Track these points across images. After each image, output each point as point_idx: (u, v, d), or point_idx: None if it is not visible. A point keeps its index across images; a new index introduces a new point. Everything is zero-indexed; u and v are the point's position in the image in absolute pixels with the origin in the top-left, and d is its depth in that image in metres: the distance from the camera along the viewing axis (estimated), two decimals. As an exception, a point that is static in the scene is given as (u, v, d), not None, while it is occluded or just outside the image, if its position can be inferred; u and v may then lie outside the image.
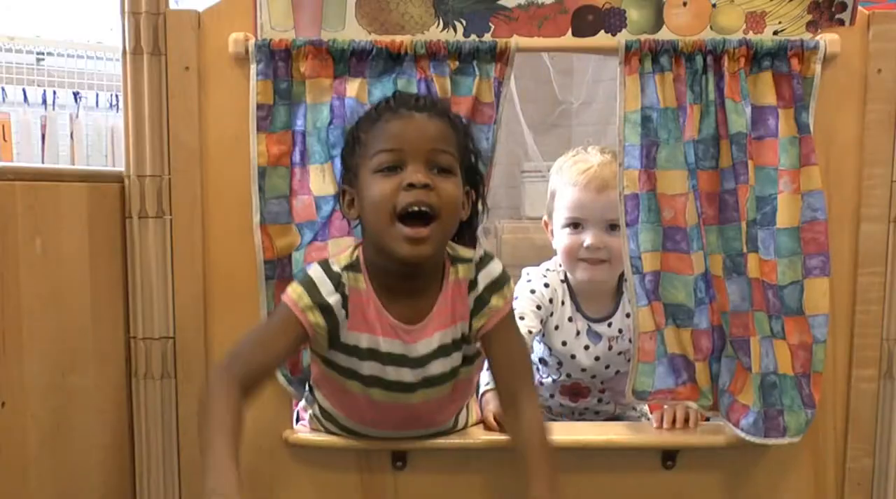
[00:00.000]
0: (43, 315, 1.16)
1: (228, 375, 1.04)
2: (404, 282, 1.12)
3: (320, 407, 1.26)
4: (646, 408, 1.53)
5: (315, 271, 1.12)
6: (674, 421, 1.31)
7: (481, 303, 1.15)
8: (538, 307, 1.46)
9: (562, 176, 1.47)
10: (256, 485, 1.31)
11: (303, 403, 1.33)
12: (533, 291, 1.47)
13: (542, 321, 1.46)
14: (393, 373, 1.15)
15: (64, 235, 1.19)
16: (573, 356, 1.50)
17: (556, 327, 1.49)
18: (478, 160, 1.17)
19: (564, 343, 1.50)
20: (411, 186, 1.04)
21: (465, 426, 1.30)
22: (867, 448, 1.31)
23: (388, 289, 1.13)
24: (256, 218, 1.23)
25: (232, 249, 1.26)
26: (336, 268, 1.12)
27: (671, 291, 1.26)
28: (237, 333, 1.26)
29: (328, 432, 1.27)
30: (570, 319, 1.49)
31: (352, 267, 1.13)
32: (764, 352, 1.24)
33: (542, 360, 1.55)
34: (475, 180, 1.16)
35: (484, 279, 1.15)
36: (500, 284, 1.16)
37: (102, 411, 1.26)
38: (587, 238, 1.42)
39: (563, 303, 1.49)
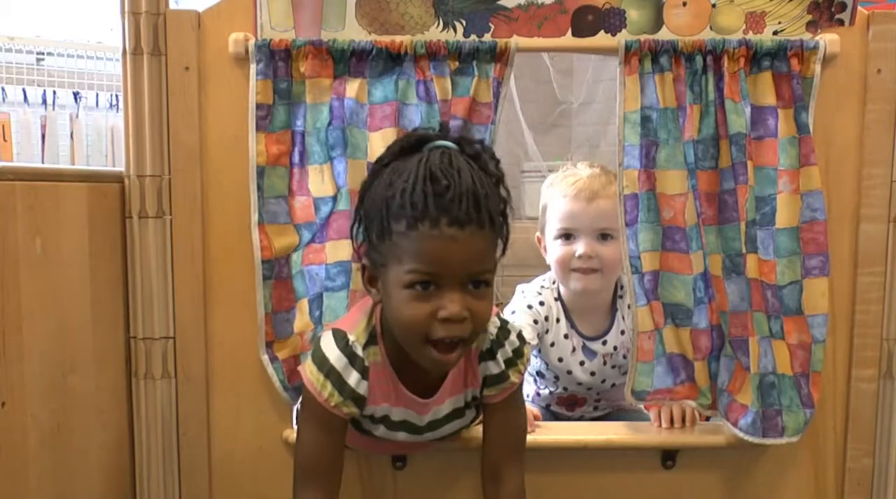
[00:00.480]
0: (43, 315, 1.16)
1: (311, 494, 1.10)
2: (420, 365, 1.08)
3: None
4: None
5: (336, 358, 1.07)
6: (672, 419, 1.31)
7: (498, 379, 1.13)
8: (535, 321, 1.48)
9: (552, 190, 1.49)
10: (257, 485, 1.31)
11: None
12: (530, 307, 1.49)
13: (538, 336, 1.48)
14: (402, 436, 1.16)
15: (64, 235, 1.19)
16: (569, 372, 1.51)
17: (552, 344, 1.50)
18: (506, 206, 1.08)
19: (561, 359, 1.51)
20: (447, 320, 0.98)
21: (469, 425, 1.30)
22: (867, 448, 1.31)
23: (403, 361, 1.09)
24: (255, 217, 1.23)
25: (232, 248, 1.26)
26: (358, 351, 1.07)
27: (670, 290, 1.25)
28: (237, 333, 1.27)
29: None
30: (565, 336, 1.51)
31: (370, 341, 1.09)
32: (763, 352, 1.24)
33: (539, 373, 1.56)
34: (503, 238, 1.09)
35: (503, 356, 1.12)
36: (518, 356, 1.13)
37: (102, 411, 1.26)
38: (579, 247, 1.43)
39: (557, 320, 1.51)
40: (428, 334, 1.00)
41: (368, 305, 1.12)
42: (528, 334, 1.41)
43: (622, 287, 1.52)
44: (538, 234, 1.55)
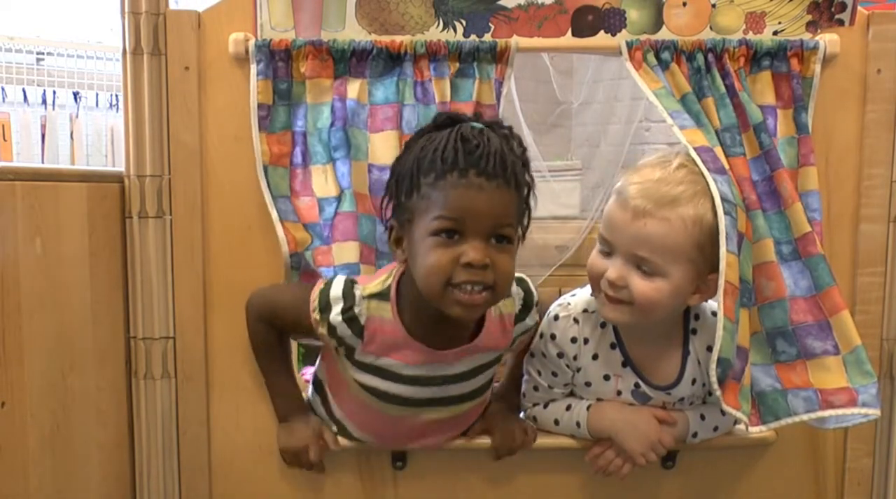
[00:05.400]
0: (43, 315, 1.16)
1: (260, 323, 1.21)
2: (441, 323, 1.10)
3: (330, 415, 1.26)
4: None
5: (335, 290, 1.13)
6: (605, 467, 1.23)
7: (526, 328, 1.20)
8: (554, 374, 1.24)
9: (622, 177, 1.16)
10: (257, 485, 1.31)
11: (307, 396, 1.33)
12: (544, 355, 1.23)
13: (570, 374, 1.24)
14: (411, 391, 1.16)
15: (64, 235, 1.19)
16: None
17: (588, 384, 1.23)
18: (530, 191, 1.11)
19: (599, 400, 1.24)
20: (469, 265, 1.01)
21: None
22: (867, 448, 1.31)
23: (420, 319, 1.12)
24: (274, 213, 1.21)
25: (232, 248, 1.26)
26: (357, 293, 1.12)
27: (745, 261, 1.14)
28: (237, 333, 1.27)
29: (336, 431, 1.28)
30: (605, 378, 1.22)
31: (378, 296, 1.12)
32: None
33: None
34: (526, 216, 1.11)
35: (533, 318, 1.20)
36: (531, 327, 1.21)
37: (102, 411, 1.26)
38: (611, 268, 1.12)
39: (594, 357, 1.21)
40: (450, 279, 1.02)
41: (391, 270, 1.15)
42: (543, 380, 1.26)
43: (697, 317, 1.20)
44: None
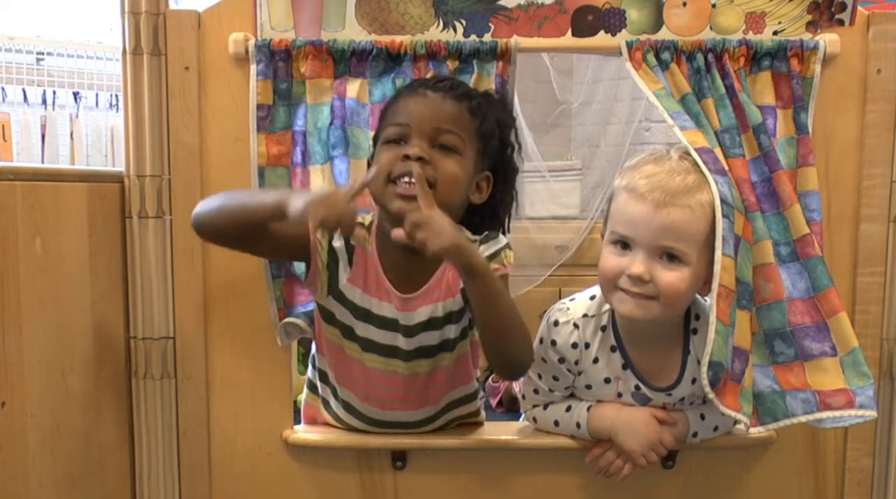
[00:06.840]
0: (43, 315, 1.16)
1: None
2: (409, 255, 1.14)
3: (322, 383, 1.28)
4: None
5: None
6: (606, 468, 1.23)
7: None
8: (555, 378, 1.24)
9: (623, 176, 1.16)
10: (257, 485, 1.31)
11: (304, 395, 1.34)
12: (544, 361, 1.23)
13: (571, 378, 1.24)
14: (386, 338, 1.19)
15: (64, 235, 1.19)
16: None
17: (589, 387, 1.24)
18: (513, 152, 1.23)
19: (599, 401, 1.25)
20: (407, 157, 1.10)
21: (476, 422, 1.32)
22: (867, 448, 1.31)
23: (393, 258, 1.18)
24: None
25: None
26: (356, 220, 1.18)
27: (744, 263, 1.15)
28: (237, 333, 1.27)
29: (332, 417, 1.29)
30: (606, 381, 1.22)
31: (366, 228, 1.19)
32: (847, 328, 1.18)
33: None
34: (502, 169, 1.22)
35: (485, 251, 1.16)
36: (498, 253, 1.17)
37: (102, 411, 1.26)
38: (633, 264, 1.11)
39: (595, 360, 1.21)
40: (391, 173, 1.10)
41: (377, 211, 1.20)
42: (544, 383, 1.25)
43: (697, 317, 1.20)
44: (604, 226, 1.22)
